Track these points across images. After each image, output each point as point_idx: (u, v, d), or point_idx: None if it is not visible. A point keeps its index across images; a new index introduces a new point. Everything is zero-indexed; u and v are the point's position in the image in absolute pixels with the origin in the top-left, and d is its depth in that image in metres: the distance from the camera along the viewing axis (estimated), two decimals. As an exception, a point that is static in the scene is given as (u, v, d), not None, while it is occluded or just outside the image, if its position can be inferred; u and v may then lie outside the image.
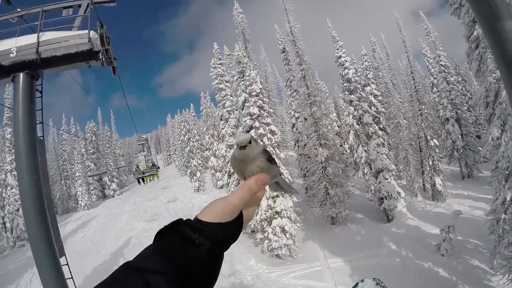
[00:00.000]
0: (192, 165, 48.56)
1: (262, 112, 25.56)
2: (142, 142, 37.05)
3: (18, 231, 38.51)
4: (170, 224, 0.85)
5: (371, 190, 28.80)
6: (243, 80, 26.77)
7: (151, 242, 0.85)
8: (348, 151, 36.61)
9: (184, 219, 0.88)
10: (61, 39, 6.74)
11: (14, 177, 38.99)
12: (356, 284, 2.52)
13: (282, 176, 1.37)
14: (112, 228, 37.76)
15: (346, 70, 30.04)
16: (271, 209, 24.06)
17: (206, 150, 49.32)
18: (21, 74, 6.53)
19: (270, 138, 25.31)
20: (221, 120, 32.36)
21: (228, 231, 0.88)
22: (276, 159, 1.40)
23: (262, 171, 1.06)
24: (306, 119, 29.98)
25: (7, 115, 41.66)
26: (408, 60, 34.85)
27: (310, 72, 28.89)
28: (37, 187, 6.18)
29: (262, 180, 0.98)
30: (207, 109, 48.52)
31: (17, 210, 38.79)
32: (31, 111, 6.52)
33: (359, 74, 31.61)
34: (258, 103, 25.54)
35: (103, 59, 7.15)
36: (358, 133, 29.48)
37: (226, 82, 33.17)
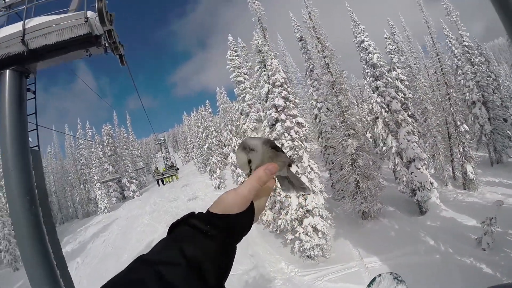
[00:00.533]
0: (212, 162, 47.00)
1: (288, 103, 23.26)
2: (160, 142, 35.11)
3: None
4: (182, 217, 0.83)
5: (403, 181, 26.38)
6: (265, 70, 24.59)
7: None
8: (371, 140, 33.80)
9: (196, 212, 0.85)
10: (52, 23, 5.43)
11: None
12: (374, 279, 2.09)
13: (294, 172, 1.22)
14: (133, 231, 36.21)
15: (370, 54, 27.50)
16: (302, 208, 21.72)
17: (225, 146, 47.60)
18: (7, 71, 5.40)
19: (297, 131, 22.99)
20: (241, 114, 29.91)
21: (240, 222, 0.85)
22: (280, 147, 1.22)
23: (268, 161, 1.01)
24: (329, 109, 27.54)
25: None
26: (433, 41, 32.25)
27: (333, 58, 26.45)
28: (32, 211, 5.22)
29: (270, 169, 0.94)
30: (224, 104, 46.43)
31: None
32: (21, 116, 5.47)
33: (382, 59, 28.70)
34: (283, 94, 23.23)
35: (106, 44, 5.72)
36: (387, 121, 26.72)
37: (244, 74, 30.76)
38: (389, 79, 27.81)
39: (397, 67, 30.07)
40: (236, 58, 30.66)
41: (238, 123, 32.23)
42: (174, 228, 0.82)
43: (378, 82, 27.29)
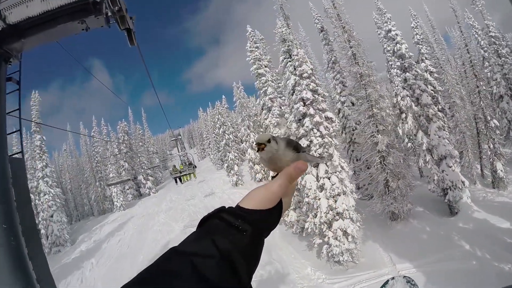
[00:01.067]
0: (229, 159, 45.18)
1: (316, 96, 21.06)
2: (175, 138, 33.74)
3: (53, 237, 37.13)
4: (213, 211, 0.84)
5: (434, 180, 24.18)
6: (290, 61, 22.31)
7: None
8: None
9: (226, 207, 0.85)
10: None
11: (46, 183, 38.23)
12: (386, 282, 2.12)
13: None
14: (149, 231, 34.72)
15: (398, 45, 25.18)
16: (332, 210, 19.45)
17: (242, 142, 45.53)
18: (-21, 55, 4.27)
19: (326, 126, 20.72)
20: (263, 109, 27.60)
21: (269, 218, 0.85)
22: (302, 145, 1.07)
23: (294, 159, 1.00)
24: (353, 103, 25.24)
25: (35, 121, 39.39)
26: (461, 31, 29.67)
27: (360, 49, 23.94)
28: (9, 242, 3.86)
29: (300, 167, 0.94)
30: (241, 99, 44.37)
31: (51, 216, 37.76)
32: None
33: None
34: (311, 86, 21.10)
35: (108, 12, 4.19)
36: (417, 116, 24.29)
37: (265, 67, 28.38)
38: (418, 71, 25.31)
39: (426, 58, 27.53)
40: (256, 49, 28.47)
41: (258, 118, 30.01)
42: (205, 221, 0.81)
43: (407, 74, 24.95)
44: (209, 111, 66.18)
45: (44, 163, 39.22)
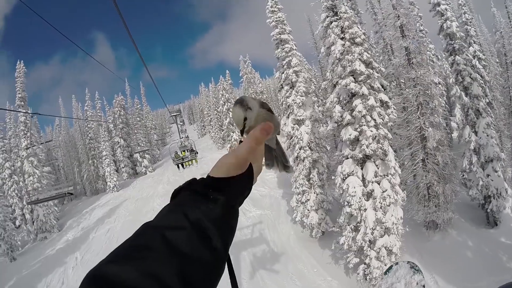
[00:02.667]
0: (233, 139, 39.59)
1: (371, 71, 15.63)
2: (175, 114, 29.66)
3: (39, 222, 33.03)
4: (184, 183, 0.80)
5: (478, 185, 19.37)
6: (336, 20, 16.81)
7: None
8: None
9: (198, 178, 0.81)
10: None
11: (30, 163, 34.01)
12: (390, 267, 2.03)
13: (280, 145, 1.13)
14: (143, 218, 29.37)
15: (448, 21, 19.77)
16: (380, 225, 14.65)
17: None
18: None
19: (380, 113, 15.53)
20: (284, 85, 22.06)
21: (241, 184, 0.82)
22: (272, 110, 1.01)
23: (264, 121, 0.93)
24: (384, 87, 20.28)
25: (20, 95, 35.12)
26: (508, 15, 24.52)
27: (410, 20, 18.87)
28: None
29: (266, 129, 0.88)
30: (248, 74, 39.14)
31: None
32: None
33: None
34: (364, 56, 15.62)
35: None
36: (465, 108, 19.43)
37: (288, 33, 22.75)
38: (468, 55, 20.25)
39: (474, 42, 22.48)
40: (279, 10, 22.66)
41: (277, 95, 24.60)
42: (177, 194, 0.78)
43: (458, 57, 19.74)
44: (211, 87, 60.75)
45: (28, 141, 34.25)
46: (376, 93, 16.04)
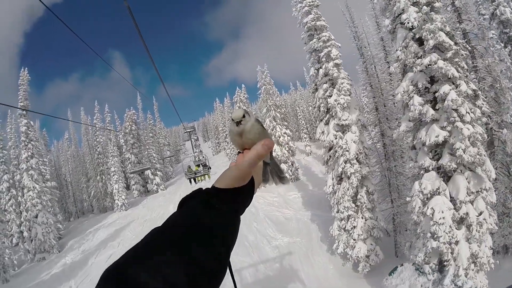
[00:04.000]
0: (247, 155, 34.53)
1: (456, 48, 10.79)
2: (189, 130, 29.06)
3: (37, 241, 28.49)
4: (191, 193, 0.82)
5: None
6: None
7: None
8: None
9: (203, 188, 0.84)
10: None
11: (30, 177, 29.78)
12: (395, 268, 1.71)
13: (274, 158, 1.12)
14: None
15: (501, 7, 14.89)
16: (475, 261, 9.64)
17: None
18: None
19: (472, 109, 10.66)
20: (321, 84, 17.10)
21: (243, 195, 0.85)
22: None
23: (260, 138, 0.94)
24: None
25: (21, 103, 31.06)
26: None
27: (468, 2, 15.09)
28: None
29: (268, 144, 0.90)
30: (267, 85, 34.56)
31: (36, 217, 29.08)
32: None
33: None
34: (447, 28, 10.91)
35: None
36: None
37: (324, 20, 17.78)
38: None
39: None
40: None
41: (312, 95, 19.59)
42: (184, 203, 0.80)
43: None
44: (226, 102, 56.42)
45: (29, 153, 30.42)
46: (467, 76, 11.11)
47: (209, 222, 0.73)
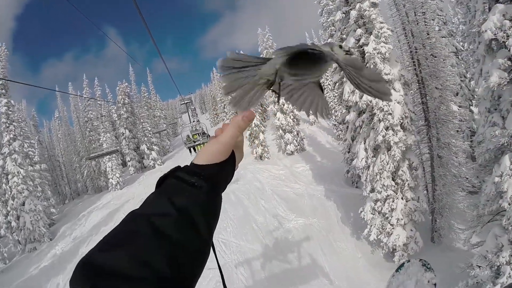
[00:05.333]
0: (253, 125, 30.77)
1: None
2: (186, 102, 27.53)
3: (26, 231, 25.24)
4: (169, 171, 0.75)
5: None
6: None
7: None
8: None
9: (182, 166, 0.77)
10: None
11: (14, 162, 26.21)
12: (402, 265, 1.82)
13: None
14: None
15: None
16: None
17: (271, 104, 32.69)
18: None
19: None
20: (349, 32, 13.08)
21: (224, 170, 0.79)
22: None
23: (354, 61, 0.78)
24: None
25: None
26: None
27: None
28: None
29: (248, 116, 0.83)
30: (269, 49, 30.57)
31: (23, 204, 25.60)
32: None
33: None
34: None
35: None
36: None
37: None
38: None
39: None
40: None
41: (338, 43, 15.89)
42: (162, 182, 0.73)
43: None
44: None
45: (11, 135, 26.34)
46: None
47: (187, 202, 0.66)
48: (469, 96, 17.95)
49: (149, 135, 42.25)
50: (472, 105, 18.00)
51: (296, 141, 30.29)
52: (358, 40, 12.72)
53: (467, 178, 13.34)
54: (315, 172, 24.43)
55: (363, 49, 12.39)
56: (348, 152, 21.11)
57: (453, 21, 22.01)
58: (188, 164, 0.76)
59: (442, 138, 12.03)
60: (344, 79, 14.93)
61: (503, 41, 7.62)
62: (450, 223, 13.00)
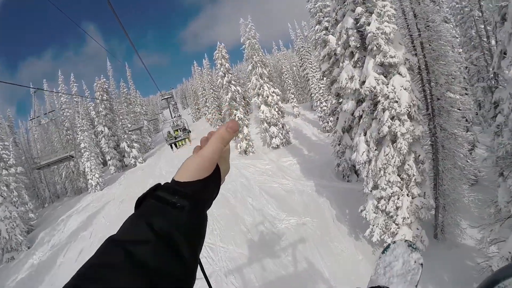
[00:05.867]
0: (237, 118, 29.12)
1: None
2: (167, 97, 25.74)
3: (2, 240, 23.02)
4: (148, 190, 0.70)
5: None
6: None
7: None
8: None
9: (162, 184, 0.72)
10: None
11: None
12: (388, 246, 1.72)
13: None
14: None
15: None
16: None
17: (254, 96, 30.30)
18: None
19: None
20: (347, 12, 11.69)
21: (208, 187, 0.74)
22: None
23: None
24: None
25: None
26: None
27: None
28: None
29: (232, 127, 0.77)
30: (251, 39, 28.84)
31: None
32: None
33: None
34: None
35: None
36: None
37: None
38: None
39: None
40: None
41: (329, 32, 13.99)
42: (141, 202, 0.68)
43: None
44: (206, 64, 50.09)
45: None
46: None
47: (167, 225, 0.61)
48: (464, 84, 16.87)
49: (129, 133, 40.24)
50: (467, 94, 17.00)
51: (282, 134, 29.10)
52: (357, 21, 11.28)
53: (471, 170, 12.25)
54: (303, 166, 23.15)
55: (364, 29, 10.94)
56: (339, 145, 19.86)
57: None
58: (169, 182, 0.70)
59: (449, 128, 10.72)
60: (335, 67, 13.56)
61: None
62: (455, 219, 11.85)
